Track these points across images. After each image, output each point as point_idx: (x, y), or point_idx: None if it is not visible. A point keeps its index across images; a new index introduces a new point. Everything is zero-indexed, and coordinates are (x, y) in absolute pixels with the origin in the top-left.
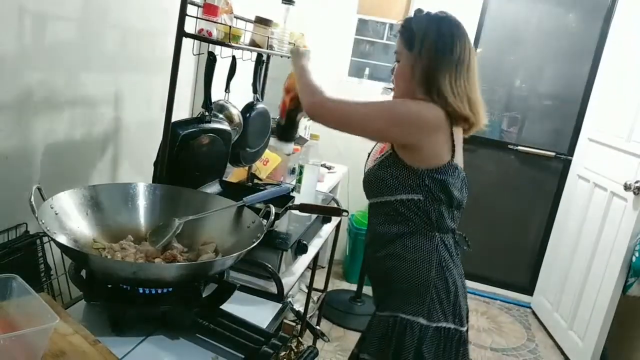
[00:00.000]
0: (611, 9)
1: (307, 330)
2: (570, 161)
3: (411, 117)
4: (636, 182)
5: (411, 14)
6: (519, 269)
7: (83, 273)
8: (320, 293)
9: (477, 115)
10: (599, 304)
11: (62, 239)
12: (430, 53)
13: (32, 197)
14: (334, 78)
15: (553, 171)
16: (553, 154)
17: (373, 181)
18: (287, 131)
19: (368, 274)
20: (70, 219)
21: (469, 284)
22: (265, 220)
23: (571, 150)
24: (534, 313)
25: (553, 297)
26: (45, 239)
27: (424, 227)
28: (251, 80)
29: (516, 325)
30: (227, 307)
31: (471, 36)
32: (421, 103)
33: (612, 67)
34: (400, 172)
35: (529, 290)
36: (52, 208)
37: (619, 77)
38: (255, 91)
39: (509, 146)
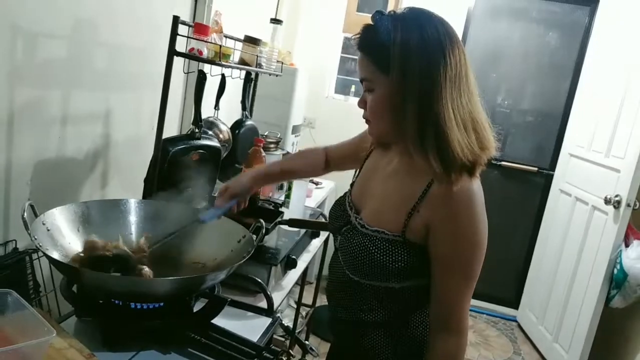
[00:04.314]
0: (589, 28)
1: (297, 346)
2: (552, 176)
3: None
4: (616, 196)
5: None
6: (505, 282)
7: (74, 288)
8: (308, 308)
9: (488, 148)
10: (583, 316)
11: (55, 255)
12: (416, 77)
13: (25, 214)
14: (321, 95)
15: (536, 186)
16: (536, 169)
17: (366, 263)
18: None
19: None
20: (62, 235)
21: None
22: (255, 235)
23: (553, 165)
24: (519, 326)
25: (538, 310)
26: (35, 255)
27: (422, 307)
28: (240, 98)
29: (502, 339)
30: (217, 321)
31: None
32: (478, 196)
33: (590, 84)
34: (412, 257)
35: (515, 303)
36: (44, 224)
37: (597, 94)
38: (244, 108)
39: (493, 161)
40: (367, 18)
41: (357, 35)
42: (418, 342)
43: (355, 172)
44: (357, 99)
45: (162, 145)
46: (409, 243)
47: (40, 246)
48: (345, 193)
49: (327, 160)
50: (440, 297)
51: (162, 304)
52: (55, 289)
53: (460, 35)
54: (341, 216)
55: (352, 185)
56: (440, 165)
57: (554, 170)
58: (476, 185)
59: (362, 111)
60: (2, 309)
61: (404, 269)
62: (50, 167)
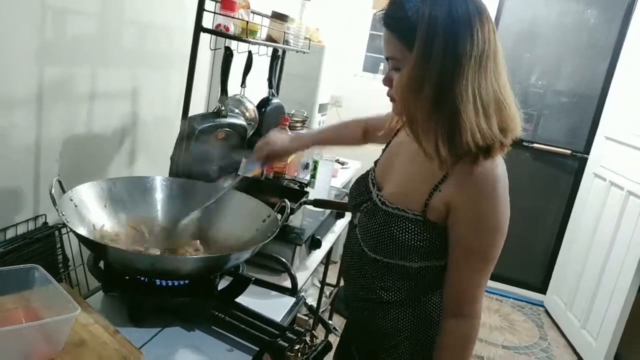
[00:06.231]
0: (631, 5)
1: (320, 325)
2: (586, 159)
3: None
4: None
5: None
6: (533, 267)
7: (101, 264)
8: (332, 288)
9: (512, 130)
10: (614, 303)
11: (82, 231)
12: (440, 55)
13: (53, 189)
14: (349, 73)
15: (569, 169)
16: (569, 151)
17: (385, 241)
18: None
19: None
20: (89, 211)
21: None
22: (280, 215)
23: (587, 149)
24: (546, 312)
25: (567, 296)
26: (64, 230)
27: (440, 288)
28: (267, 75)
29: (529, 324)
30: (241, 300)
31: None
32: (501, 180)
33: (631, 64)
34: (432, 237)
35: (542, 288)
36: (71, 200)
37: (638, 75)
38: (270, 86)
39: (524, 143)
40: None
41: (383, 11)
42: (435, 322)
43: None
44: None
45: (189, 123)
46: (429, 223)
47: (67, 222)
48: (368, 170)
49: (365, 132)
50: (455, 279)
51: (186, 281)
52: (84, 263)
53: (494, 12)
54: (362, 192)
55: (376, 162)
56: (448, 151)
57: (588, 154)
58: (500, 168)
59: (384, 80)
60: (29, 284)
61: (424, 248)
62: (78, 144)
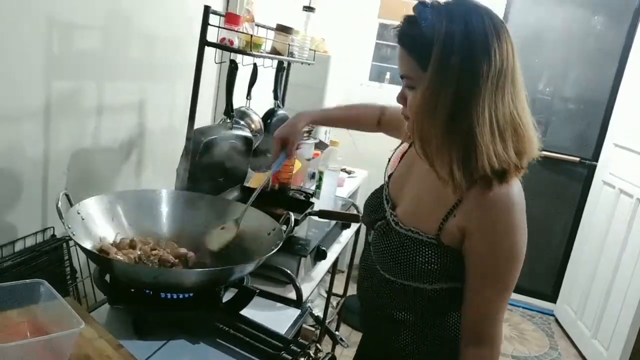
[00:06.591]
0: (639, 10)
1: (327, 335)
2: (595, 167)
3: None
4: None
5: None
6: (542, 276)
7: (107, 277)
8: (339, 298)
9: (528, 152)
10: (625, 313)
11: (88, 245)
12: (455, 75)
13: (60, 203)
14: (355, 82)
15: (577, 177)
16: (577, 159)
17: (398, 262)
18: None
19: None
20: (95, 224)
21: None
22: (284, 227)
23: (596, 156)
24: (557, 321)
25: (577, 305)
26: (71, 242)
27: (454, 310)
28: (272, 87)
29: (539, 333)
30: (246, 312)
31: None
32: (517, 204)
33: (639, 70)
34: (446, 260)
35: (553, 297)
36: (78, 214)
37: None
38: (276, 98)
39: None
40: (403, 3)
41: (397, 28)
42: (448, 345)
43: (386, 164)
44: (392, 87)
45: (194, 136)
46: (443, 246)
47: (73, 235)
48: (383, 185)
49: (380, 119)
50: (473, 306)
51: (191, 294)
52: (91, 275)
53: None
54: (377, 209)
55: (389, 177)
56: (463, 175)
57: (596, 161)
58: (517, 192)
59: (397, 98)
60: (35, 299)
61: (437, 270)
62: (86, 157)
